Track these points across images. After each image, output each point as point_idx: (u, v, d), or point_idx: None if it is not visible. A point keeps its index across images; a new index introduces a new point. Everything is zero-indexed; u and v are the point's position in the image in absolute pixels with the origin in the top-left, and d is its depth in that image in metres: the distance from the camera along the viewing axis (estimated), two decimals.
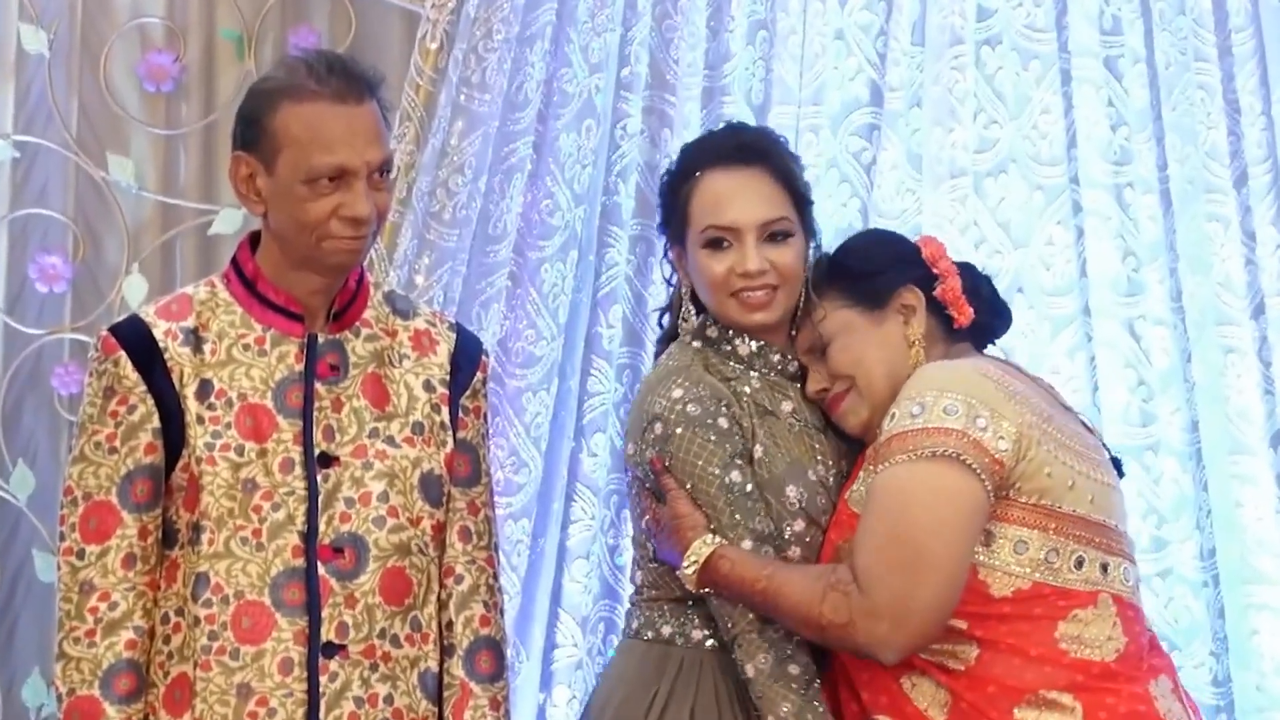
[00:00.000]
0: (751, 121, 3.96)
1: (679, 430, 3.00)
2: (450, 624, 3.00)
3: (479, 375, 3.07)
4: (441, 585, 3.00)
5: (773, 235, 3.07)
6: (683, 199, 3.12)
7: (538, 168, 3.99)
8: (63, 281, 4.19)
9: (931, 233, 3.80)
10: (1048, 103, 3.95)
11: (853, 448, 3.06)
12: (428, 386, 3.04)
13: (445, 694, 3.00)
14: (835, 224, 3.95)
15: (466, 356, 3.08)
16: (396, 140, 3.94)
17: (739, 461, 3.01)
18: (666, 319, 3.24)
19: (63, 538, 2.87)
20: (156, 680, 2.91)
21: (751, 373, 3.10)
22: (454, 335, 3.08)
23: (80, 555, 2.86)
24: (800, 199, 3.11)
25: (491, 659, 3.02)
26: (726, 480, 3.00)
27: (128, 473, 2.87)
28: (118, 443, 2.87)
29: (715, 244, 3.08)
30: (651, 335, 3.97)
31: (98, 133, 4.23)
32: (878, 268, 3.08)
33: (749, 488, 3.00)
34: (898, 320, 3.06)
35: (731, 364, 3.10)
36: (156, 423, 2.88)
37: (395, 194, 3.93)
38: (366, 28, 4.17)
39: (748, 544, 2.98)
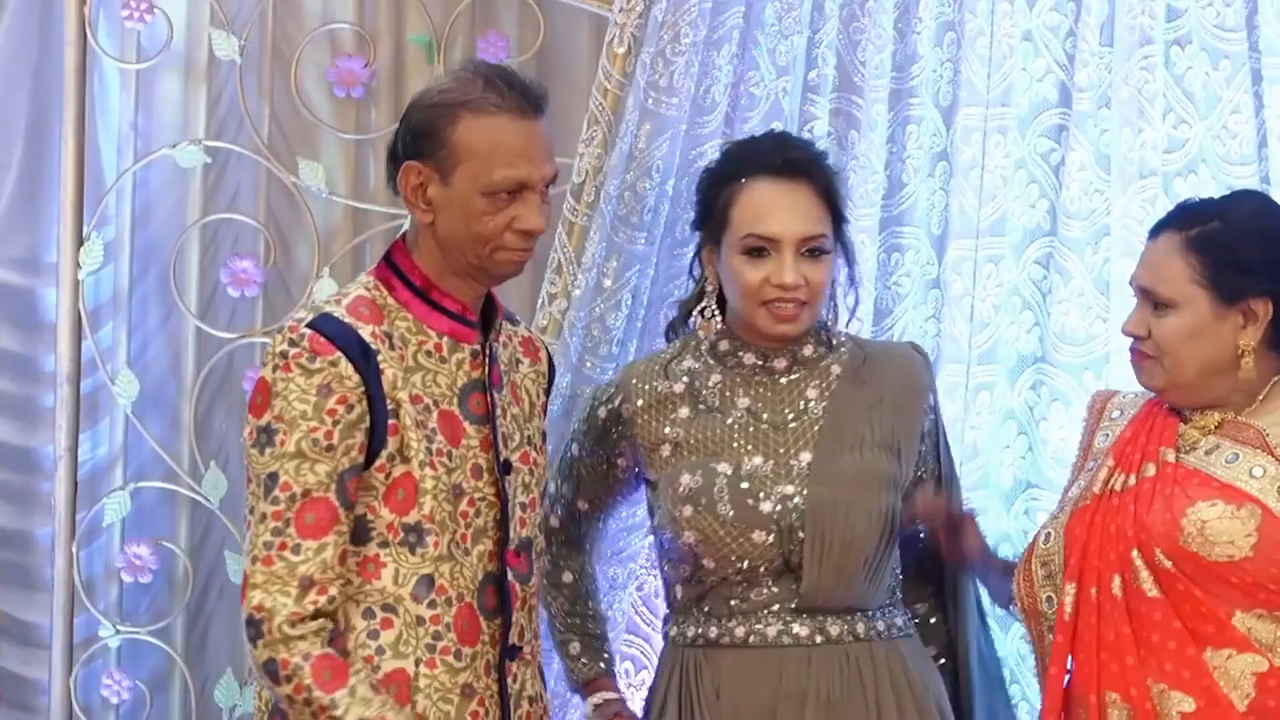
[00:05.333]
0: (939, 123, 3.97)
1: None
2: None
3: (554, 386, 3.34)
4: None
5: (811, 251, 3.18)
6: (724, 201, 3.25)
7: None
8: (254, 285, 4.21)
9: (1121, 234, 3.82)
10: (1238, 102, 3.90)
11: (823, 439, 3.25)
12: (537, 394, 3.18)
13: None
14: (1023, 225, 3.94)
15: (552, 366, 3.29)
16: (584, 144, 3.94)
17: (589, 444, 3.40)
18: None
19: (277, 533, 2.87)
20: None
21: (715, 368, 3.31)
22: (542, 344, 3.27)
23: (296, 550, 2.87)
24: (839, 216, 3.25)
25: None
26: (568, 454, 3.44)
27: (343, 471, 2.90)
28: (335, 440, 2.89)
29: (754, 252, 3.18)
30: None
31: (288, 138, 4.27)
32: (1250, 266, 3.08)
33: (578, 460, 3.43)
34: (1236, 322, 3.08)
35: (703, 358, 3.33)
36: (368, 423, 2.92)
37: (583, 198, 3.96)
38: (555, 32, 4.19)
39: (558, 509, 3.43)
